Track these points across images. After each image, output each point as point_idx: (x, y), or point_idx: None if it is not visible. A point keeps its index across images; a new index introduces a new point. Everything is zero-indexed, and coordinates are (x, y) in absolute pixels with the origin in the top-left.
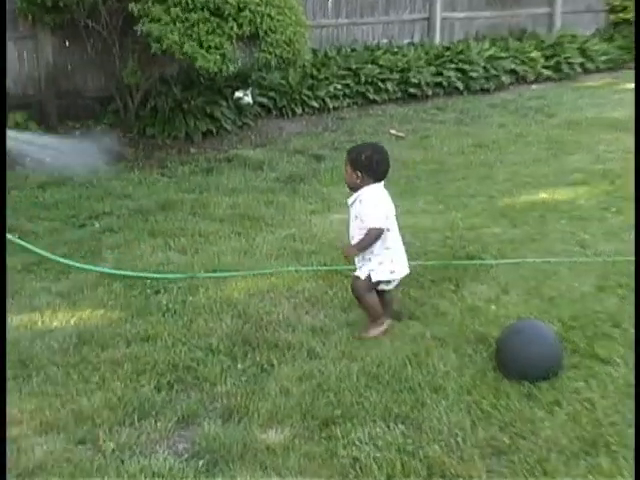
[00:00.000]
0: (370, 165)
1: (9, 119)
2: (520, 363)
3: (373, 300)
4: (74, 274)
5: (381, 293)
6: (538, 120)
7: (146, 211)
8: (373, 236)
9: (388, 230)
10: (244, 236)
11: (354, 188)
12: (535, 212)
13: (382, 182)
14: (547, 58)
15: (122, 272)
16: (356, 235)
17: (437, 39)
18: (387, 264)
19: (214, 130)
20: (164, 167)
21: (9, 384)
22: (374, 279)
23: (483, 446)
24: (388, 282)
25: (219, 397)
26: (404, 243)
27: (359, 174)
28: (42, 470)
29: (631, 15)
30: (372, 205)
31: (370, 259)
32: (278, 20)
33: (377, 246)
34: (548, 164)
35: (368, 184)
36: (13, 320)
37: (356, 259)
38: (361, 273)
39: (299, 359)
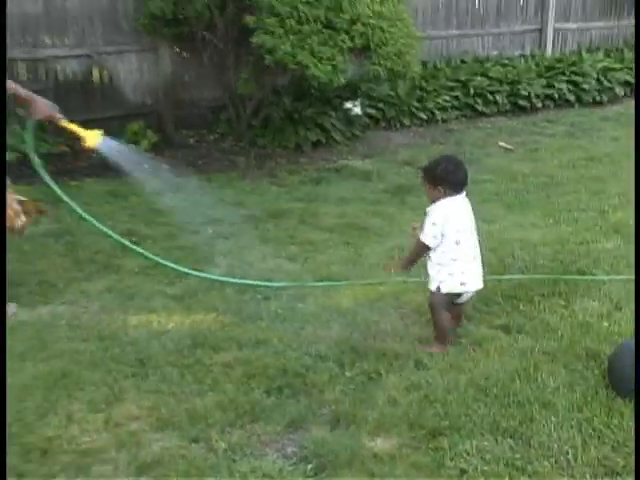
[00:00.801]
0: (446, 177)
1: (128, 129)
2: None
3: (444, 319)
4: (188, 278)
5: (452, 305)
6: None
7: (257, 219)
8: (418, 248)
9: (457, 243)
10: (352, 246)
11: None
12: None
13: (462, 193)
14: None
15: (234, 280)
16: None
17: (549, 50)
18: (457, 276)
19: (323, 140)
20: (274, 176)
21: (128, 382)
22: (443, 290)
23: (595, 465)
24: (459, 295)
25: (327, 404)
26: (512, 257)
27: (440, 189)
28: (159, 465)
29: None
30: (430, 222)
31: (439, 270)
32: (389, 32)
33: (441, 257)
34: None
35: (449, 196)
36: (132, 320)
37: (430, 269)
38: (432, 285)
39: (406, 369)
